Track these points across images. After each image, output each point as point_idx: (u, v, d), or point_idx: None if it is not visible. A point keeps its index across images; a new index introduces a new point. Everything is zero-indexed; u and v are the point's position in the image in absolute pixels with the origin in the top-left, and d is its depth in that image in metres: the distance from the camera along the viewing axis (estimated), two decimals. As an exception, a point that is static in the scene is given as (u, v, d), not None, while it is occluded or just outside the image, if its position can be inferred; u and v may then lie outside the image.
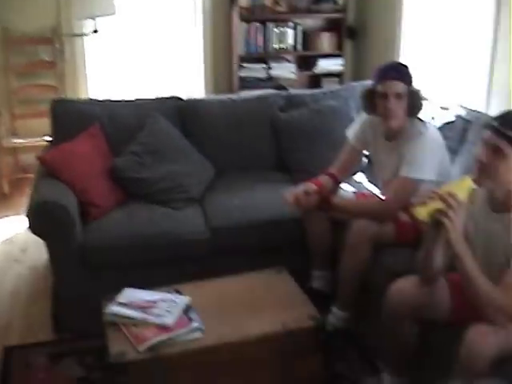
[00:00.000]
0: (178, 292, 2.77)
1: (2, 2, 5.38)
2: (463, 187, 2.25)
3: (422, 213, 2.22)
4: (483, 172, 2.26)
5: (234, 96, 4.16)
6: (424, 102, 3.06)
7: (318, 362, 2.75)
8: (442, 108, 3.72)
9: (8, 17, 5.41)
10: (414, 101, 2.99)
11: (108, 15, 4.92)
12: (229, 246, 3.33)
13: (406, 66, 3.05)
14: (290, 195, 3.13)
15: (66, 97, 5.22)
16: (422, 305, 2.47)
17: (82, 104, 3.86)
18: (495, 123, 2.25)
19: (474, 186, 2.26)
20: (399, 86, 2.95)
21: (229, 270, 2.98)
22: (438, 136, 3.06)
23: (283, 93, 4.26)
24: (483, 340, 2.12)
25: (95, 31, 4.90)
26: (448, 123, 3.61)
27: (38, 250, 4.14)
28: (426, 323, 2.53)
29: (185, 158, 3.64)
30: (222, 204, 3.49)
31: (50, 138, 3.88)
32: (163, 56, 5.74)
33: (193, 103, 3.94)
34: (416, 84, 3.05)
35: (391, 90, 2.96)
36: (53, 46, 5.42)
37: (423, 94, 3.08)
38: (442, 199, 2.19)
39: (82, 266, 3.18)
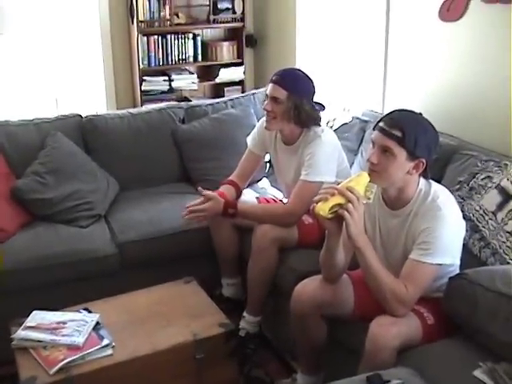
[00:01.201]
0: (88, 310, 2.76)
1: None
2: (361, 182, 2.28)
3: (323, 208, 2.23)
4: (375, 172, 2.33)
5: (133, 110, 4.14)
6: (320, 111, 3.14)
7: (233, 368, 2.81)
8: (342, 110, 3.84)
9: None
10: (297, 111, 3.03)
11: (4, 33, 4.81)
12: (137, 259, 3.35)
13: (299, 75, 3.11)
14: (185, 210, 3.15)
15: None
16: (327, 302, 2.53)
17: (-23, 126, 3.75)
18: (382, 124, 2.34)
19: (370, 180, 2.30)
20: (277, 91, 3.03)
21: (139, 284, 3.00)
22: (334, 138, 3.16)
23: (183, 104, 4.29)
24: (386, 331, 2.21)
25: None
26: (347, 124, 3.74)
27: None
28: (332, 320, 2.62)
29: (88, 175, 3.61)
30: (126, 219, 3.49)
31: None
32: (63, 73, 5.65)
33: (92, 119, 3.90)
34: (317, 88, 3.13)
35: (269, 93, 3.06)
36: None
37: (323, 100, 3.17)
38: (341, 194, 2.22)
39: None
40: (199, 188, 3.19)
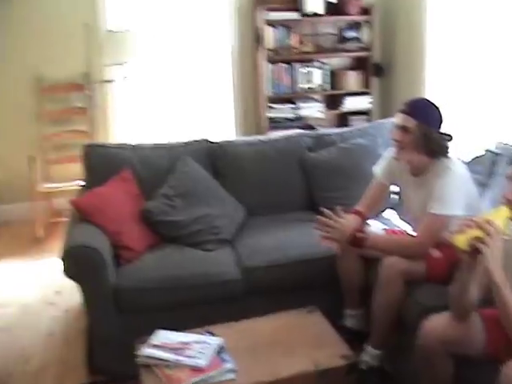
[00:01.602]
0: (211, 333, 2.77)
1: (34, 52, 5.56)
2: (500, 216, 2.20)
3: (461, 240, 2.16)
4: None
5: (262, 137, 4.21)
6: (448, 141, 3.05)
7: (353, 402, 2.74)
8: (472, 143, 3.72)
9: (41, 65, 5.58)
10: (427, 140, 2.96)
11: (136, 61, 5.02)
12: (261, 285, 3.34)
13: (427, 104, 3.04)
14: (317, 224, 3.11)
15: (97, 142, 5.31)
16: (456, 340, 2.43)
17: (114, 148, 3.92)
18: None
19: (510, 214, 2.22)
20: (406, 120, 2.95)
21: (261, 310, 2.99)
22: (464, 171, 3.05)
23: (311, 132, 4.30)
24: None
25: (125, 77, 5.00)
26: (478, 157, 3.62)
27: (72, 293, 4.17)
28: (460, 359, 2.51)
29: (216, 199, 3.68)
30: (253, 244, 3.51)
31: (83, 183, 3.95)
32: (192, 99, 5.82)
33: (222, 145, 3.99)
34: (446, 119, 3.04)
35: (397, 122, 3.00)
36: (84, 93, 5.56)
37: (449, 132, 3.08)
38: (480, 226, 2.14)
39: (115, 309, 3.21)
40: (337, 208, 3.14)
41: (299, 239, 3.48)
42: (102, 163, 3.80)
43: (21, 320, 4.02)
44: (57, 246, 5.08)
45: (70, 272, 3.16)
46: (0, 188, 5.75)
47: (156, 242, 3.50)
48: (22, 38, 5.56)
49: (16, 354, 3.61)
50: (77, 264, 3.13)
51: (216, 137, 4.14)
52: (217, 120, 5.90)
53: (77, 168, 5.13)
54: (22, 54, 5.59)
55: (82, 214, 3.43)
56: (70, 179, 5.29)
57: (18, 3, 5.50)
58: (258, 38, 5.52)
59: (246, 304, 3.29)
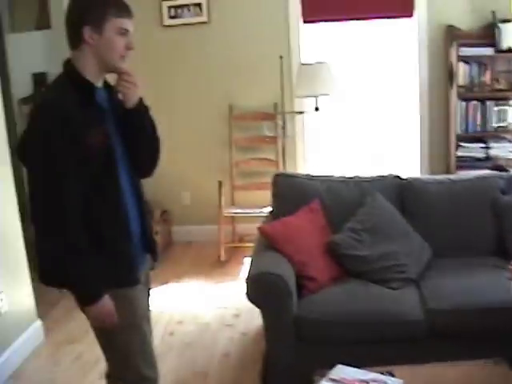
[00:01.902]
0: (391, 374, 2.71)
1: (229, 80, 5.82)
2: None
3: None
4: None
5: (452, 176, 4.10)
6: None
7: None
8: None
9: (234, 94, 5.82)
10: None
11: (329, 94, 5.08)
12: (445, 330, 3.21)
13: None
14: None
15: (287, 171, 5.38)
16: None
17: (303, 179, 3.98)
18: None
19: None
20: None
21: (443, 355, 2.91)
22: None
23: (505, 174, 4.12)
24: None
25: (316, 109, 5.08)
26: None
27: (250, 317, 4.30)
28: None
29: (402, 237, 3.61)
30: (438, 286, 3.39)
31: (270, 210, 4.05)
32: (380, 133, 5.81)
33: (411, 182, 3.92)
34: None
35: None
36: (274, 123, 5.71)
37: None
38: None
39: (295, 338, 3.24)
40: None
41: (488, 285, 3.32)
42: (291, 192, 3.88)
43: (199, 338, 4.18)
44: (237, 270, 5.28)
45: (253, 296, 3.24)
46: (189, 209, 6.06)
47: (340, 275, 3.50)
48: (219, 67, 5.87)
49: (194, 371, 3.77)
50: (261, 289, 3.21)
51: (400, 172, 4.09)
52: (403, 156, 5.84)
53: (262, 195, 5.30)
54: (218, 82, 5.89)
55: (269, 241, 3.51)
56: (254, 206, 5.45)
57: (216, 35, 5.82)
58: (450, 74, 5.39)
59: (427, 347, 3.20)
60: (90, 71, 2.23)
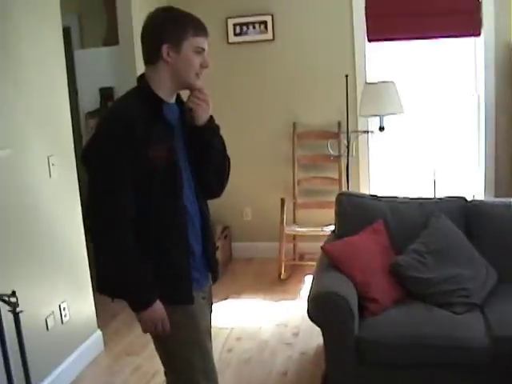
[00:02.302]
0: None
1: (293, 98, 5.84)
2: None
3: None
4: None
5: (518, 200, 3.97)
6: None
7: None
8: None
9: (298, 112, 5.83)
10: None
11: (396, 114, 5.03)
12: (510, 358, 3.12)
13: None
14: None
15: (351, 191, 5.31)
16: None
17: (367, 199, 3.96)
18: None
19: None
20: None
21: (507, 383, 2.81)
22: None
23: None
24: None
25: (381, 128, 5.03)
26: None
27: (309, 336, 4.26)
28: None
29: (467, 260, 3.53)
30: (505, 312, 3.28)
31: (333, 229, 4.02)
32: (444, 155, 5.72)
33: (478, 205, 3.84)
34: None
35: None
36: (338, 141, 5.68)
37: None
38: None
39: (355, 359, 3.19)
40: None
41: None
42: (355, 212, 3.85)
43: (257, 356, 4.16)
44: (297, 288, 5.26)
45: (314, 316, 3.22)
46: (251, 226, 6.07)
47: (402, 297, 3.44)
48: (283, 85, 5.90)
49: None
50: (323, 309, 3.18)
51: (462, 192, 4.03)
52: (467, 177, 5.73)
53: (324, 214, 5.28)
54: (282, 100, 5.91)
55: (332, 261, 3.48)
56: (316, 224, 5.42)
57: (280, 53, 5.86)
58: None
59: (491, 374, 3.11)
60: (164, 87, 2.27)
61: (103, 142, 2.19)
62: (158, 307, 2.26)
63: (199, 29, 2.24)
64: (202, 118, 2.30)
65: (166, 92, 2.28)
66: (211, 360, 2.46)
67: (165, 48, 2.19)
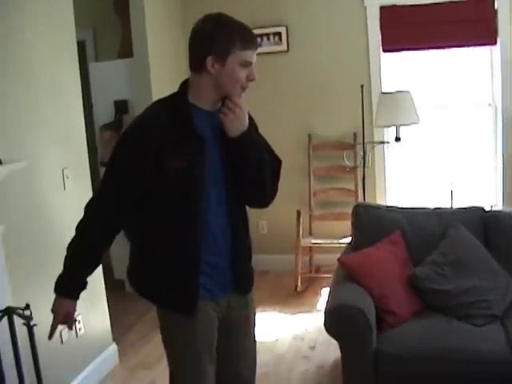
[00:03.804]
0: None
1: (308, 110, 5.80)
2: None
3: None
4: None
5: (539, 209, 3.93)
6: None
7: None
8: None
9: (313, 123, 5.81)
10: None
11: (411, 124, 4.99)
12: (534, 371, 3.06)
13: None
14: None
15: (368, 202, 5.27)
16: None
17: (384, 210, 3.92)
18: None
19: None
20: None
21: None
22: None
23: None
24: None
25: (398, 139, 4.99)
26: None
27: (326, 349, 4.21)
28: None
29: (487, 271, 3.47)
30: (527, 324, 3.24)
31: (349, 240, 3.98)
32: (461, 165, 5.66)
33: (496, 215, 3.79)
34: None
35: None
36: (354, 152, 5.64)
37: None
38: None
39: (373, 373, 3.15)
40: None
41: None
42: (372, 224, 3.81)
43: (274, 369, 4.11)
44: (314, 301, 5.21)
45: (331, 329, 3.19)
46: (266, 238, 6.02)
47: (421, 309, 3.39)
48: (298, 96, 5.87)
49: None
50: (340, 322, 3.14)
51: (483, 204, 3.96)
52: (485, 188, 5.67)
53: (340, 225, 5.23)
54: (297, 111, 5.89)
55: (350, 273, 3.44)
56: (332, 236, 5.37)
57: (295, 64, 5.84)
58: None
59: (513, 387, 3.04)
60: (204, 96, 2.23)
61: (117, 146, 2.27)
62: (67, 303, 2.32)
63: (247, 41, 2.17)
64: (232, 131, 2.22)
65: (205, 100, 2.24)
66: (205, 377, 2.42)
67: (209, 60, 2.15)
